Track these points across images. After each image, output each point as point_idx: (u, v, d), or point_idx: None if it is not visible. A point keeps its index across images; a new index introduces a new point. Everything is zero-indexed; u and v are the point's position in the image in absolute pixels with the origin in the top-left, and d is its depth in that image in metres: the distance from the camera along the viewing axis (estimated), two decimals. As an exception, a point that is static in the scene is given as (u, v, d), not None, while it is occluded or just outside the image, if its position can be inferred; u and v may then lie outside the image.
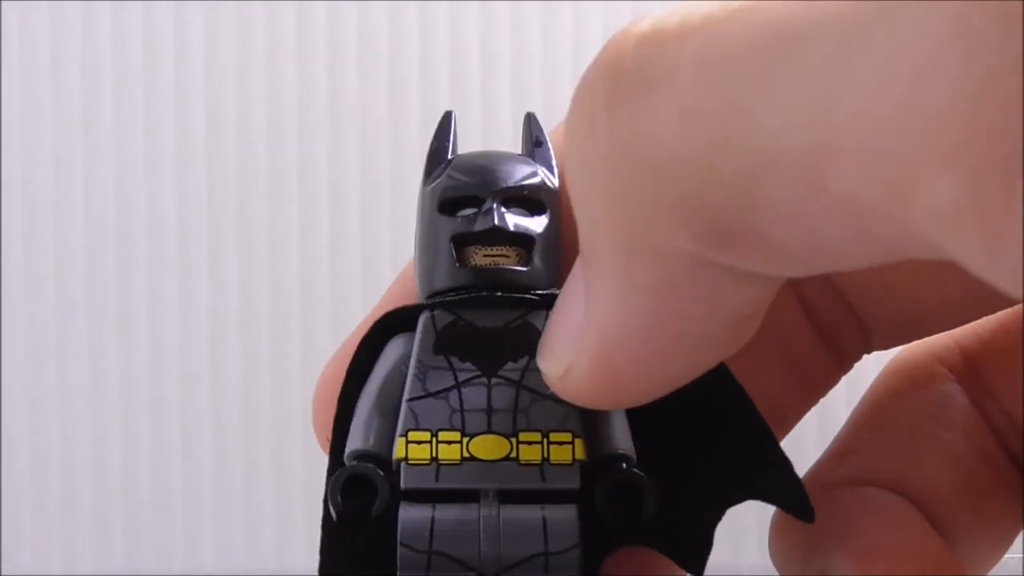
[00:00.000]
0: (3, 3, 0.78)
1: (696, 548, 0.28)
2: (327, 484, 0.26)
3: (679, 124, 0.19)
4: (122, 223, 0.79)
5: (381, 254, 0.78)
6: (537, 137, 0.27)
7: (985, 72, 0.16)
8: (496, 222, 0.26)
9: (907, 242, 0.18)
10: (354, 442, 0.26)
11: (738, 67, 0.18)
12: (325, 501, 0.26)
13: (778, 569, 0.27)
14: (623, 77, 0.20)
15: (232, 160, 0.79)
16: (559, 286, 0.26)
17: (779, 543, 0.26)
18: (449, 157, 0.27)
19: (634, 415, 0.26)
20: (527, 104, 0.79)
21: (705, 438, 0.27)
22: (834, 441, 0.28)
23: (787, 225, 0.19)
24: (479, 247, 0.26)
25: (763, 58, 0.18)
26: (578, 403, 0.23)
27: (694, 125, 0.19)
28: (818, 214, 0.18)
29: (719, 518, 0.28)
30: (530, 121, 0.28)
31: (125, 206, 0.79)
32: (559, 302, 0.23)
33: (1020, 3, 0.16)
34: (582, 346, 0.22)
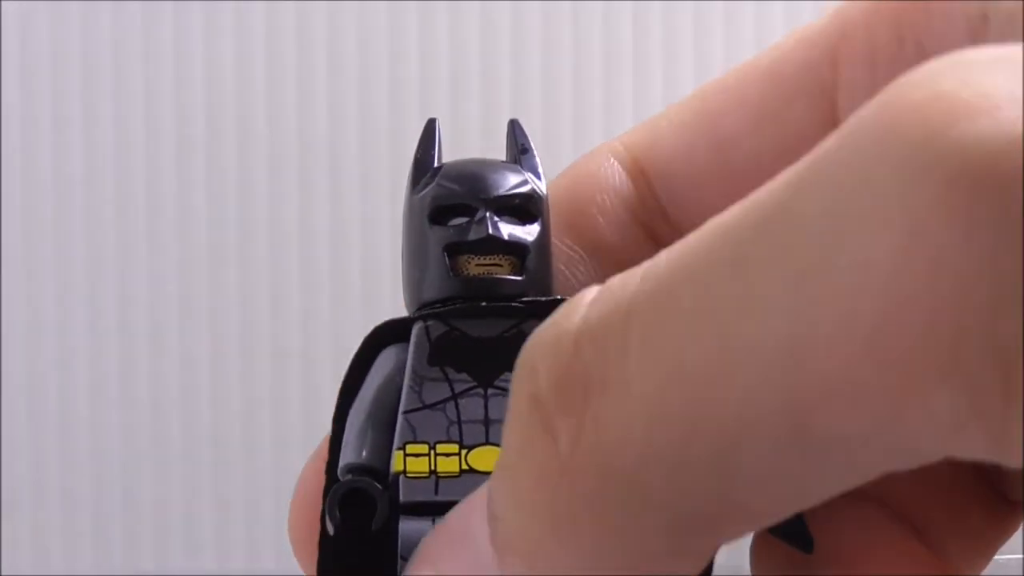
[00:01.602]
0: (3, 3, 0.78)
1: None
2: (324, 503, 0.26)
3: (644, 420, 0.18)
4: (122, 225, 0.79)
5: (380, 256, 0.78)
6: (522, 144, 0.27)
7: (956, 282, 0.16)
8: (490, 231, 0.25)
9: (897, 461, 0.17)
10: (348, 455, 0.26)
11: (690, 338, 0.17)
12: (322, 517, 0.26)
13: None
14: (572, 381, 0.19)
15: (232, 159, 0.79)
16: (551, 294, 0.26)
17: (760, 557, 0.26)
18: (436, 165, 0.27)
19: None
20: (525, 109, 0.79)
21: None
22: None
23: (770, 488, 0.18)
24: (472, 256, 0.26)
25: (715, 320, 0.17)
26: None
27: (659, 417, 0.18)
28: (802, 467, 0.17)
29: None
30: (515, 128, 0.27)
31: (125, 208, 0.79)
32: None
33: (967, 203, 0.16)
34: None
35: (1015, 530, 0.27)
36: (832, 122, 0.26)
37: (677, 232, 0.27)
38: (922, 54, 0.24)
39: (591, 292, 0.19)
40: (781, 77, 0.27)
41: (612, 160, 0.28)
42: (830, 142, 0.17)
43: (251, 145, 0.78)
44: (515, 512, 0.20)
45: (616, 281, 0.19)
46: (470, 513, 0.22)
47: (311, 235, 0.79)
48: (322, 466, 0.26)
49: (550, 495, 0.19)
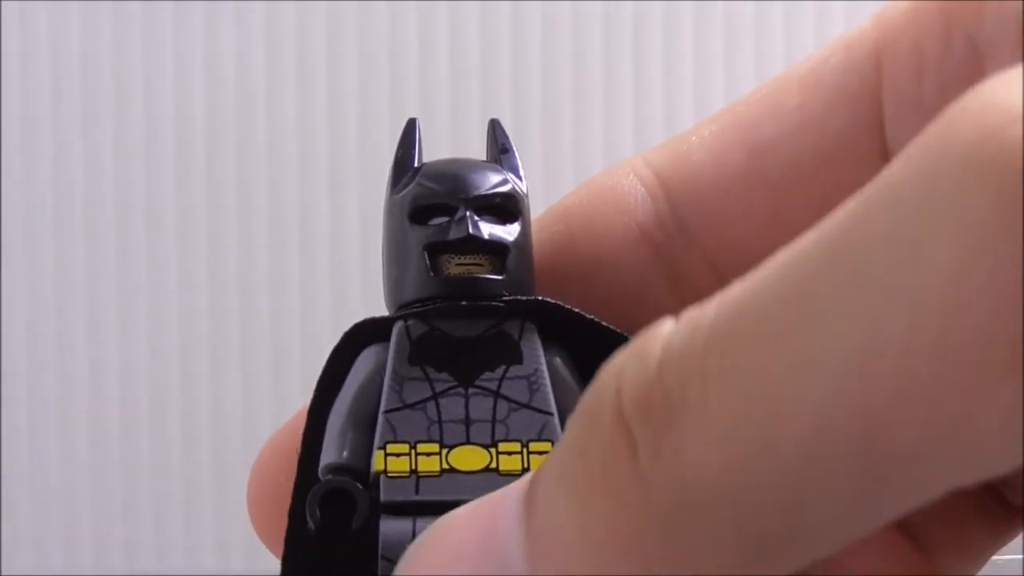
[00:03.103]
0: (3, 3, 0.78)
1: None
2: (294, 498, 0.26)
3: (720, 446, 0.18)
4: (121, 225, 0.79)
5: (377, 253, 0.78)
6: (503, 144, 0.27)
7: (1012, 281, 0.16)
8: (470, 230, 0.25)
9: (965, 472, 0.18)
10: (328, 455, 0.26)
11: (763, 361, 0.18)
12: (291, 515, 0.25)
13: None
14: (656, 402, 0.19)
15: (232, 159, 0.79)
16: (532, 293, 0.26)
17: None
18: (416, 165, 0.27)
19: None
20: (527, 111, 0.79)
21: None
22: None
23: (841, 510, 0.18)
24: (452, 256, 0.25)
25: (787, 341, 0.18)
26: None
27: (735, 439, 0.18)
28: (873, 485, 0.18)
29: None
30: (495, 128, 0.27)
31: (125, 208, 0.79)
32: None
33: (1016, 207, 0.16)
34: None
35: (1012, 538, 0.27)
36: (877, 125, 0.26)
37: (696, 250, 0.27)
38: (973, 50, 0.24)
39: (667, 322, 0.20)
40: (821, 82, 0.27)
41: (632, 177, 0.28)
42: (892, 165, 0.18)
43: (250, 140, 0.79)
44: (577, 520, 0.20)
45: (694, 311, 0.19)
46: (494, 515, 0.22)
47: (311, 236, 0.79)
48: (285, 444, 0.26)
49: (620, 507, 0.19)
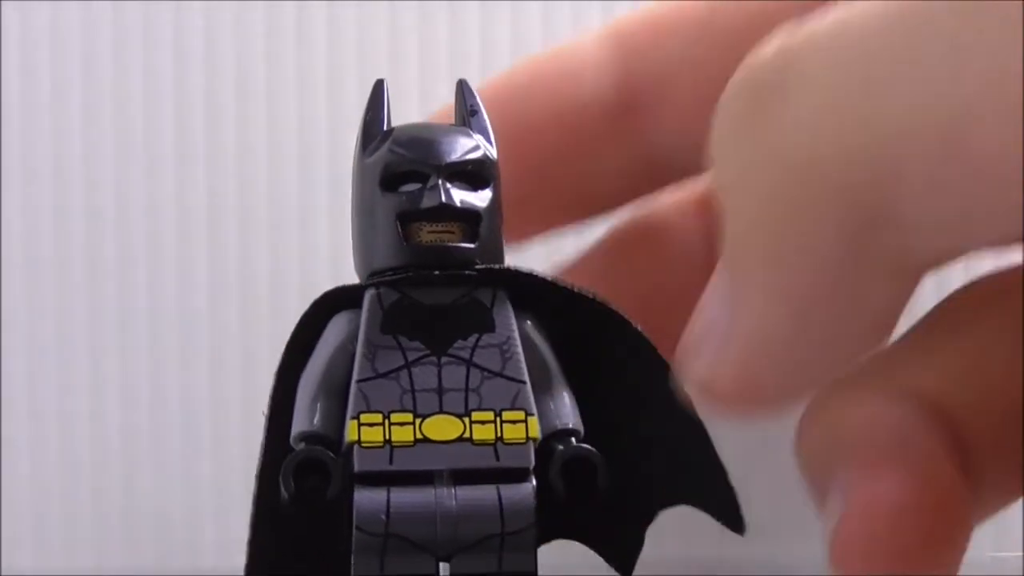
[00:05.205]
0: (3, 3, 0.78)
1: (627, 549, 0.27)
2: (262, 462, 0.25)
3: (818, 119, 0.20)
4: (121, 224, 0.78)
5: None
6: (471, 105, 0.27)
7: None
8: (443, 199, 0.25)
9: None
10: (300, 423, 0.25)
11: (868, 55, 0.19)
12: (259, 479, 0.25)
13: (799, 461, 0.26)
14: (763, 87, 0.20)
15: (231, 159, 0.79)
16: (502, 261, 0.26)
17: (804, 435, 0.26)
18: (384, 128, 0.26)
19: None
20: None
21: (643, 438, 0.27)
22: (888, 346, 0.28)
23: (929, 199, 0.19)
24: (424, 224, 0.25)
25: (891, 42, 0.19)
26: (722, 407, 0.23)
27: (832, 116, 0.19)
28: (960, 182, 0.19)
29: (650, 520, 0.27)
30: (463, 89, 0.27)
31: (125, 207, 0.78)
32: (701, 307, 0.23)
33: None
34: (726, 353, 0.22)
35: None
36: None
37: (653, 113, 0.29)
38: None
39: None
40: None
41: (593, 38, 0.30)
42: None
43: (250, 140, 0.78)
44: (728, 216, 0.21)
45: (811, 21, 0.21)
46: (704, 297, 0.23)
47: (311, 238, 0.78)
48: None
49: (743, 190, 0.21)
